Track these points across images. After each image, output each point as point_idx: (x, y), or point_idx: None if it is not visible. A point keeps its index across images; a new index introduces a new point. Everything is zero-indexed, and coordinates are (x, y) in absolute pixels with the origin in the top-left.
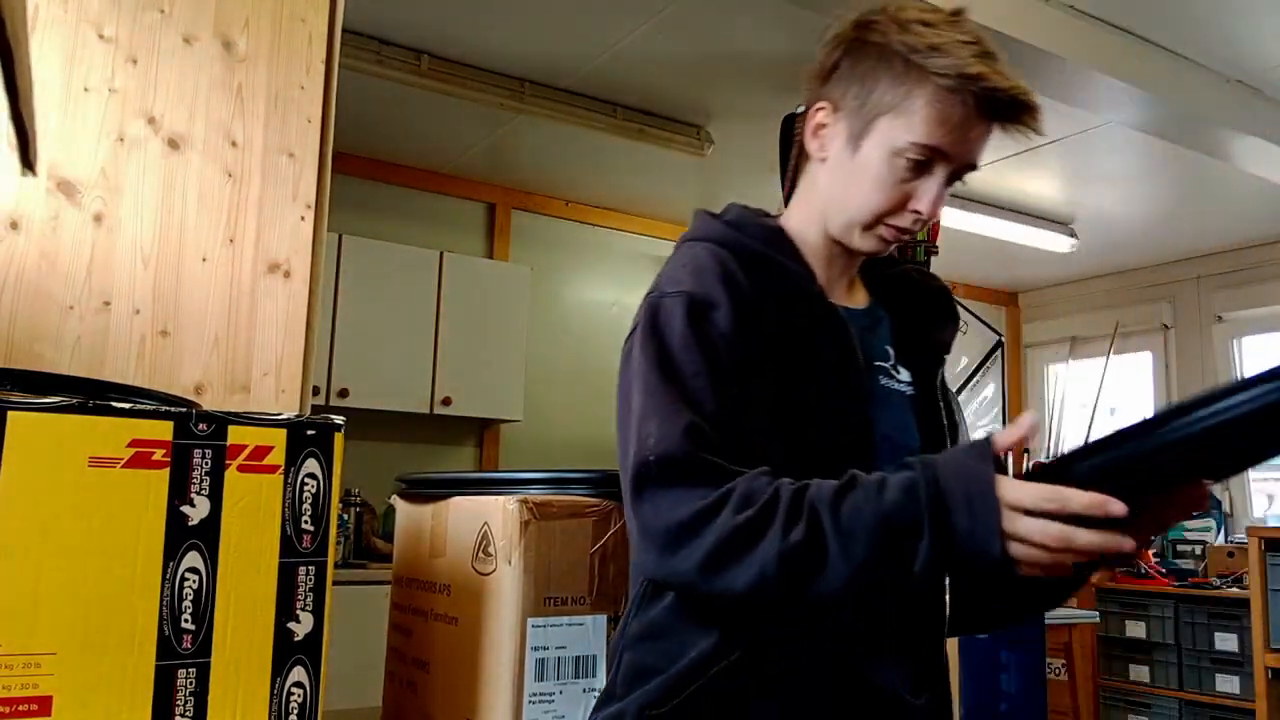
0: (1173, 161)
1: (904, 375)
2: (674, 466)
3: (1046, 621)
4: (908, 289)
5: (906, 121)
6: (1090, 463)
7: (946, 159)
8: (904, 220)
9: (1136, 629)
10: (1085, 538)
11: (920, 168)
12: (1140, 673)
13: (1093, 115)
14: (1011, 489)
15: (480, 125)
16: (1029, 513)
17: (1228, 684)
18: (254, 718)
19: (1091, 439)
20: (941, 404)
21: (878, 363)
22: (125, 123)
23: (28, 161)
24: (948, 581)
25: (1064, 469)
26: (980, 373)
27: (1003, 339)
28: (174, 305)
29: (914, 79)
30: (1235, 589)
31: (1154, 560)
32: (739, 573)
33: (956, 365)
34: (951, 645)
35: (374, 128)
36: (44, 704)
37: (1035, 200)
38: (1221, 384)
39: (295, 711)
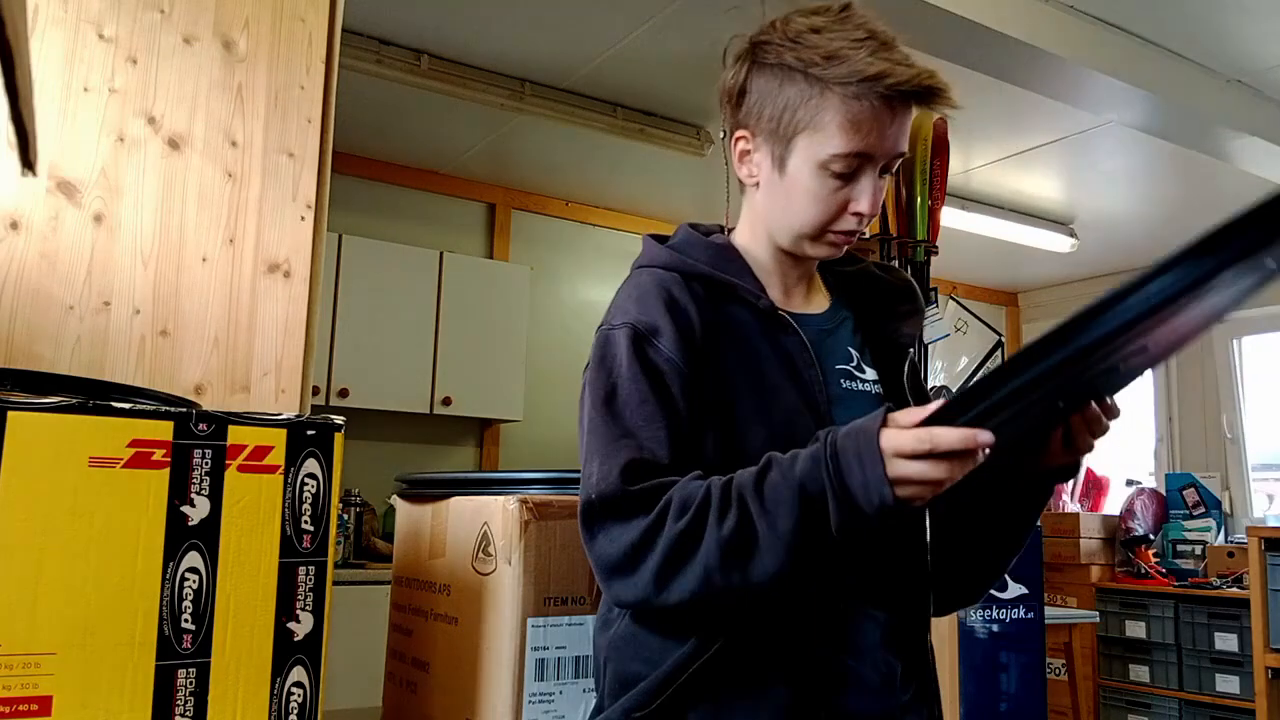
0: (1173, 161)
1: (869, 374)
2: (614, 503)
3: (1046, 621)
4: (871, 285)
5: (823, 135)
6: (966, 418)
7: (872, 158)
8: (848, 224)
9: (1136, 629)
10: (960, 470)
11: (850, 172)
12: (1140, 673)
13: (1093, 115)
14: (889, 437)
15: (480, 125)
16: (909, 457)
17: (1228, 684)
18: (254, 718)
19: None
20: (911, 399)
21: (840, 365)
22: (125, 123)
23: (27, 162)
24: (929, 562)
25: (950, 417)
26: (980, 373)
27: (1003, 339)
28: (174, 305)
29: (819, 93)
30: (1235, 589)
31: (1154, 560)
32: (688, 576)
33: (956, 365)
34: (951, 646)
35: (374, 128)
36: (44, 704)
37: (1035, 200)
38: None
39: (295, 711)
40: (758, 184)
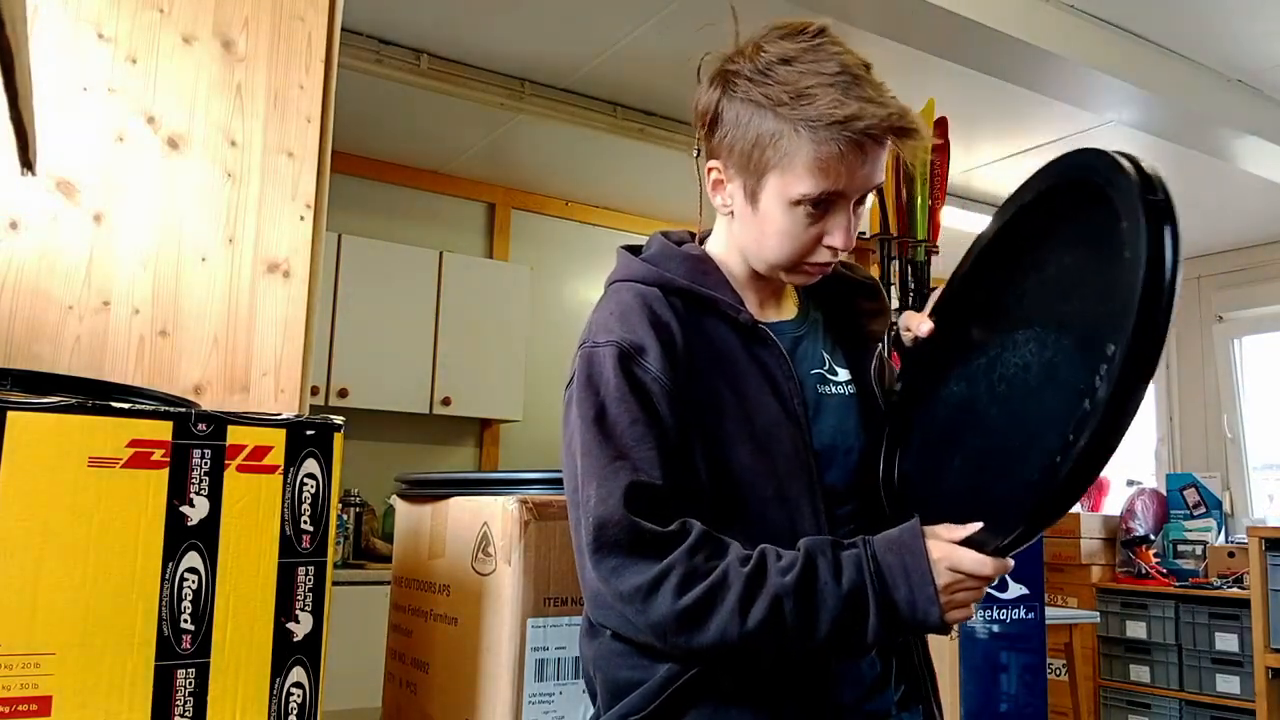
0: (1173, 161)
1: (842, 375)
2: (613, 533)
3: (1047, 622)
4: (837, 285)
5: (793, 176)
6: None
7: (844, 195)
8: (823, 256)
9: (1137, 629)
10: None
11: (823, 210)
12: (1140, 673)
13: (1093, 115)
14: (942, 575)
15: (480, 125)
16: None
17: (1228, 684)
18: (253, 718)
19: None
20: (880, 397)
21: (815, 370)
22: (125, 122)
23: (27, 162)
24: None
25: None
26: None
27: None
28: (173, 305)
29: (789, 133)
30: (1235, 589)
31: (1155, 560)
32: (704, 634)
33: None
34: (951, 646)
35: (374, 128)
36: (44, 704)
37: None
38: None
39: (295, 712)
40: (732, 213)
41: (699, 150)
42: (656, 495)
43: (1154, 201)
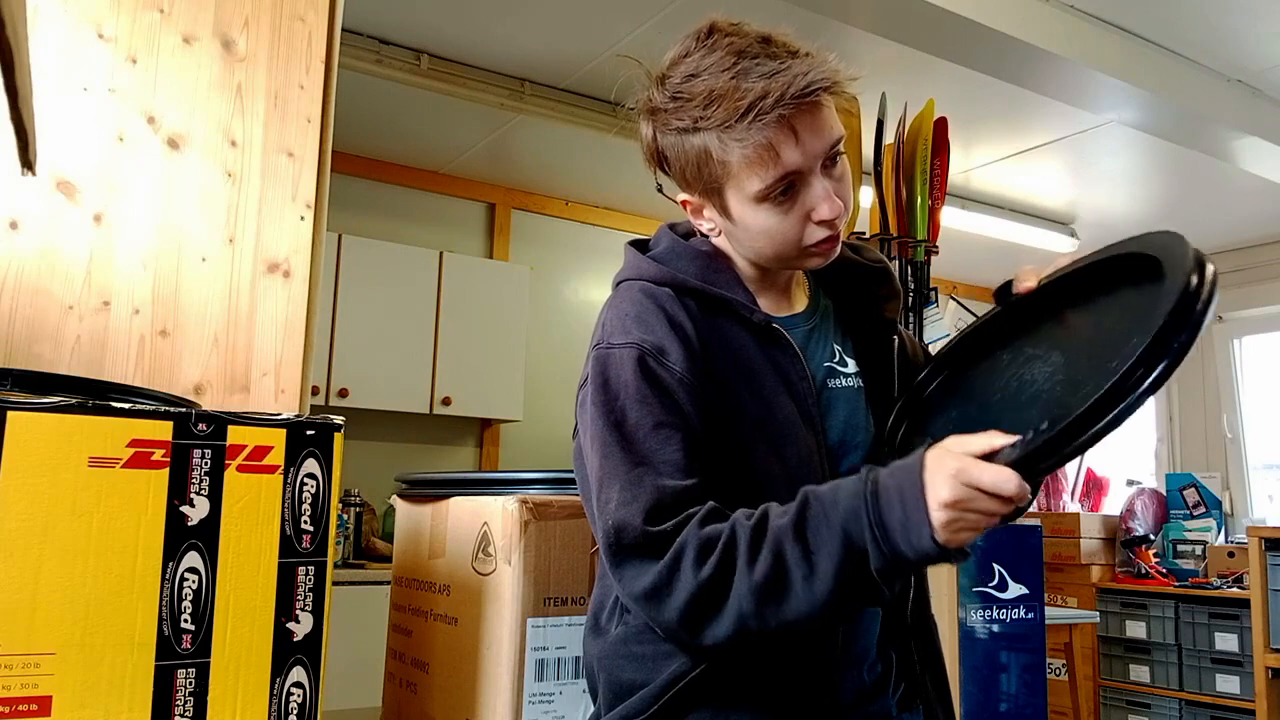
0: (1173, 161)
1: (850, 366)
2: (634, 537)
3: (1047, 621)
4: (847, 271)
5: (742, 178)
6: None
7: (802, 170)
8: (820, 233)
9: (1137, 629)
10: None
11: (792, 193)
12: (1140, 673)
13: (1093, 115)
14: (934, 490)
15: (480, 125)
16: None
17: (1228, 684)
18: (254, 718)
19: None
20: (898, 384)
21: (825, 364)
22: (125, 122)
23: (27, 162)
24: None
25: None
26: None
27: None
28: (174, 305)
29: (715, 144)
30: (1235, 589)
31: (1154, 560)
32: (721, 622)
33: None
34: (951, 646)
35: (374, 128)
36: (44, 704)
37: (1036, 200)
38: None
39: (295, 711)
40: (720, 233)
41: (659, 185)
42: (679, 498)
43: (1165, 345)
